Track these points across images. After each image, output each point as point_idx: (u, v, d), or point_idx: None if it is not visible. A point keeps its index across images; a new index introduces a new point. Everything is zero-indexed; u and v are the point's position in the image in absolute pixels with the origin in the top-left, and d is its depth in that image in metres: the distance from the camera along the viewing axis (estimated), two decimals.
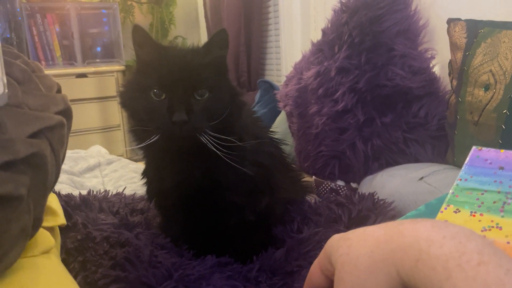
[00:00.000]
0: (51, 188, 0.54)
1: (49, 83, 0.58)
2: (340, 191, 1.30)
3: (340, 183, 1.37)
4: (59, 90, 0.60)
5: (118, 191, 1.26)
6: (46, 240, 0.56)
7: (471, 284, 0.29)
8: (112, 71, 3.05)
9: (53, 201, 0.64)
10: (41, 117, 0.50)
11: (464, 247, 0.32)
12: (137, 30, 0.80)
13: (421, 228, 0.35)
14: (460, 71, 1.14)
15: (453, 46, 1.19)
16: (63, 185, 1.39)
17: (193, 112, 0.77)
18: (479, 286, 0.29)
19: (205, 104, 0.78)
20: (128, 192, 1.28)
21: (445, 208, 0.49)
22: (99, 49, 3.21)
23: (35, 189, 0.47)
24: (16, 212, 0.44)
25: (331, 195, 1.14)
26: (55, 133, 0.52)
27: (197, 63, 0.79)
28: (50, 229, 0.60)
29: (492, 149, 0.52)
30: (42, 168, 0.48)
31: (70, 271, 0.64)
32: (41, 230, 0.55)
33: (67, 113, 0.57)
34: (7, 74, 0.50)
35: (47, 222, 0.59)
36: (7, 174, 0.43)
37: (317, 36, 1.57)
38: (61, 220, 0.63)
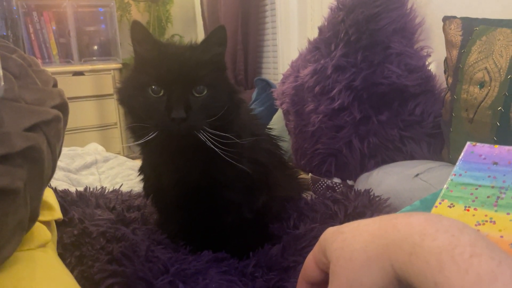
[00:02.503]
0: (47, 182, 0.54)
1: (46, 77, 0.58)
2: (336, 188, 1.30)
3: (337, 180, 1.37)
4: (55, 85, 0.60)
5: (114, 188, 1.26)
6: (43, 234, 0.56)
7: (463, 276, 0.29)
8: (109, 69, 3.05)
9: (49, 195, 0.64)
10: (38, 111, 0.50)
11: (457, 240, 0.32)
12: (136, 26, 0.80)
13: (415, 221, 0.35)
14: (456, 68, 1.15)
15: (449, 44, 1.20)
16: (60, 182, 1.39)
17: (192, 109, 0.76)
18: (472, 278, 0.29)
19: (203, 101, 0.78)
20: (125, 189, 1.28)
21: (440, 203, 0.49)
22: (96, 47, 3.21)
23: (32, 182, 0.47)
24: (13, 205, 0.44)
25: (327, 192, 1.15)
26: (52, 127, 0.52)
27: (196, 60, 0.79)
28: (47, 224, 0.60)
29: (486, 145, 0.52)
30: (39, 162, 0.48)
31: (66, 265, 0.64)
32: (37, 224, 0.55)
33: (63, 108, 0.57)
34: (4, 68, 0.50)
35: (44, 216, 0.59)
36: (4, 167, 0.43)
37: (313, 34, 1.57)
38: (58, 214, 0.63)
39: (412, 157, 1.30)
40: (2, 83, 0.46)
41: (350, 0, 1.34)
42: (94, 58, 3.17)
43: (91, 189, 1.18)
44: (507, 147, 0.50)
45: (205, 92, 0.79)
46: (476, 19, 1.13)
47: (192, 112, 0.76)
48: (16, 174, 0.44)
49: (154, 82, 0.77)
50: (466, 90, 1.10)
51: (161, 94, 0.77)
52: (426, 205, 0.58)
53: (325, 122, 1.35)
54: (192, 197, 0.87)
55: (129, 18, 3.31)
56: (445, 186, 0.51)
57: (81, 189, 1.18)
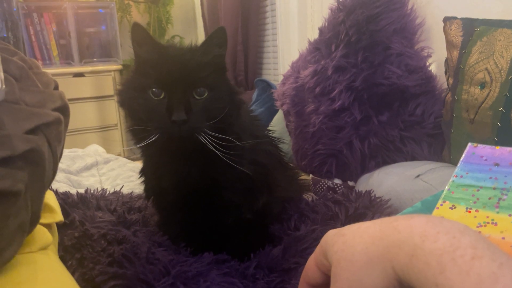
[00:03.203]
0: (48, 184, 0.54)
1: (46, 80, 0.58)
2: (337, 189, 1.30)
3: (337, 181, 1.37)
4: (56, 87, 0.60)
5: (115, 190, 1.26)
6: (44, 236, 0.56)
7: (464, 278, 0.29)
8: (109, 71, 3.05)
9: (50, 198, 0.64)
10: (38, 113, 0.50)
11: (458, 241, 0.32)
12: (136, 28, 0.80)
13: (416, 223, 0.35)
14: (456, 69, 1.15)
15: (449, 45, 1.19)
16: (61, 183, 1.39)
17: (192, 112, 0.76)
18: (473, 280, 0.29)
19: (204, 104, 0.78)
20: (125, 190, 1.28)
21: (441, 205, 0.49)
22: (96, 48, 3.21)
23: (33, 185, 0.47)
24: (14, 208, 0.44)
25: (328, 193, 1.15)
26: (52, 130, 0.52)
27: (196, 62, 0.79)
28: (48, 226, 0.60)
29: (488, 146, 0.52)
30: (40, 164, 0.48)
31: (67, 268, 0.64)
32: (38, 226, 0.55)
33: (64, 110, 0.57)
34: (4, 70, 0.50)
35: (45, 219, 0.59)
36: (5, 170, 0.43)
37: (314, 35, 1.57)
38: (59, 217, 0.63)
39: (413, 158, 1.30)
40: (3, 86, 0.46)
41: (350, 1, 1.34)
42: (95, 59, 3.17)
43: (92, 191, 1.18)
44: (508, 148, 0.50)
45: (206, 94, 0.79)
46: (477, 19, 1.13)
47: (193, 114, 0.76)
48: (17, 176, 0.44)
49: (155, 85, 0.77)
50: (466, 90, 1.10)
51: (161, 96, 0.77)
52: (427, 206, 0.58)
53: (326, 122, 1.35)
54: (192, 199, 0.87)
55: (130, 19, 3.31)
56: (446, 187, 0.51)
57: (82, 191, 1.18)
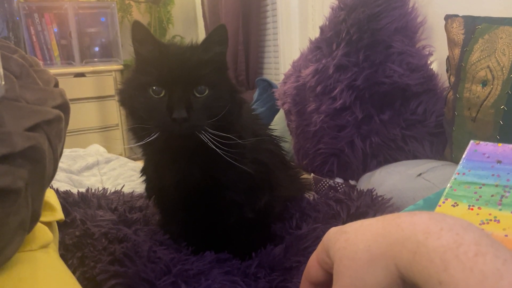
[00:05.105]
0: (49, 182, 0.54)
1: (47, 77, 0.58)
2: (338, 188, 1.30)
3: (339, 180, 1.37)
4: (56, 85, 0.60)
5: (116, 189, 1.26)
6: (44, 234, 0.55)
7: (468, 275, 0.29)
8: (110, 71, 3.05)
9: (51, 196, 0.63)
10: (39, 110, 0.50)
11: (461, 238, 0.31)
12: (137, 26, 0.79)
13: (419, 220, 0.35)
14: (458, 67, 1.14)
15: (451, 43, 1.19)
16: (62, 183, 1.39)
17: (193, 110, 0.76)
18: (477, 276, 0.29)
19: (204, 102, 0.78)
20: (126, 190, 1.28)
21: (443, 202, 0.49)
22: (97, 48, 3.21)
23: (33, 182, 0.47)
24: (15, 206, 0.44)
25: (330, 192, 1.15)
26: (53, 127, 0.52)
27: (197, 60, 0.79)
28: (48, 224, 0.60)
29: (490, 143, 0.52)
30: (40, 162, 0.48)
31: (68, 266, 0.64)
32: (39, 224, 0.54)
33: (64, 107, 0.57)
34: (5, 68, 0.50)
35: (45, 217, 0.59)
36: (5, 167, 0.43)
37: (315, 34, 1.57)
38: (59, 215, 0.63)
39: (414, 157, 1.30)
40: (3, 83, 0.46)
41: (351, 0, 1.34)
42: (96, 59, 3.17)
43: (93, 190, 1.18)
44: (510, 145, 0.50)
45: (207, 92, 0.78)
46: (478, 17, 1.12)
47: (193, 112, 0.76)
48: (17, 174, 0.44)
49: (155, 83, 0.77)
50: (468, 88, 1.10)
51: (162, 94, 0.77)
52: (430, 204, 0.58)
53: (327, 122, 1.35)
54: (194, 198, 0.87)
55: (130, 20, 3.31)
56: (448, 185, 0.50)
57: (83, 190, 1.18)
